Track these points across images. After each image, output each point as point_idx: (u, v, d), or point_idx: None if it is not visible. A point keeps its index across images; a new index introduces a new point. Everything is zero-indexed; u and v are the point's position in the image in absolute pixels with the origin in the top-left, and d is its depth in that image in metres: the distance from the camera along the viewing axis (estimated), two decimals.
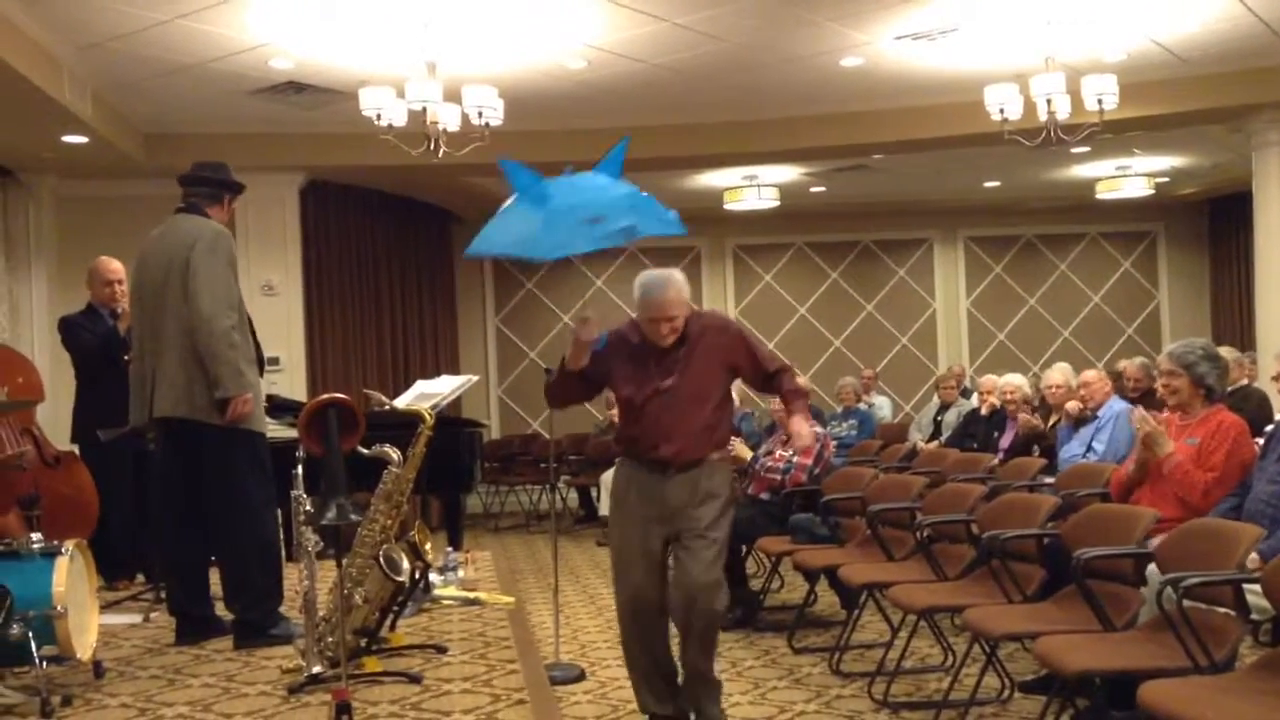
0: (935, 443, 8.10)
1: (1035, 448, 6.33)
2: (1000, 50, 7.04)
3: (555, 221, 3.21)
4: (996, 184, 11.31)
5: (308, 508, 3.53)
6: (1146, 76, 7.57)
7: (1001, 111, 6.74)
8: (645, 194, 3.36)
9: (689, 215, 11.66)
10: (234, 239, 4.42)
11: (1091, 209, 11.92)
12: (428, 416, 4.12)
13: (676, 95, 7.87)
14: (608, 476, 9.37)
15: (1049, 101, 6.55)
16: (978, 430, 7.28)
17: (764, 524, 5.81)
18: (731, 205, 10.76)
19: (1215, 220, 12.49)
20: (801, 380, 6.36)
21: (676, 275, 3.62)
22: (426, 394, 4.97)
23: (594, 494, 9.95)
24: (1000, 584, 3.91)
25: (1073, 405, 6.06)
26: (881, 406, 10.63)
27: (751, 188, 10.59)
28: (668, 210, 3.39)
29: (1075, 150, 8.96)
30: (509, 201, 3.30)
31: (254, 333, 4.47)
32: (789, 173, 10.34)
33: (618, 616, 3.79)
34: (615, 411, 10.14)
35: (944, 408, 8.99)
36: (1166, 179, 11.15)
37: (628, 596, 3.71)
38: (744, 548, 6.01)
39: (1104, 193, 11.02)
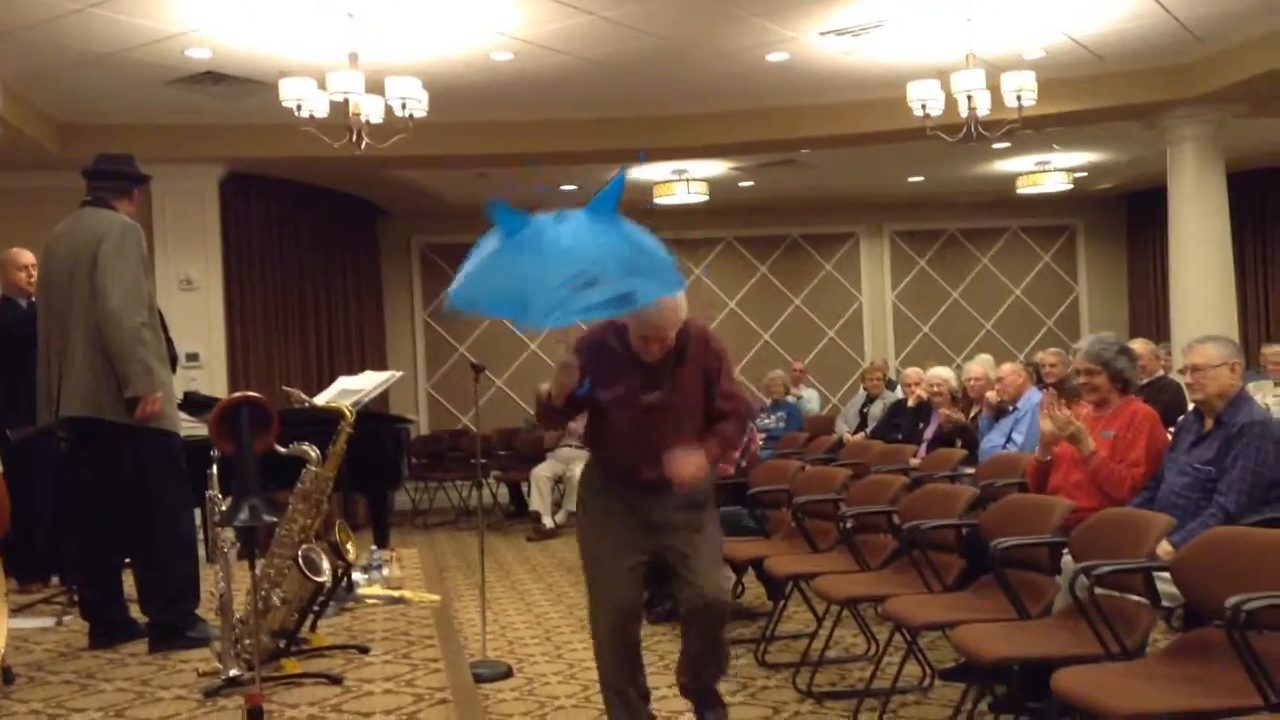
0: (861, 434, 8.20)
1: (958, 440, 6.44)
2: (922, 46, 7.12)
3: (545, 283, 2.83)
4: (920, 179, 11.47)
5: (222, 508, 3.46)
6: (1065, 73, 7.72)
7: (924, 108, 6.81)
8: (642, 235, 2.98)
9: (619, 208, 11.52)
10: (149, 232, 4.32)
11: (1012, 204, 12.15)
12: (348, 413, 4.06)
13: (604, 89, 7.85)
14: (538, 471, 9.37)
15: (970, 98, 6.64)
16: (903, 422, 7.38)
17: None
18: (661, 199, 10.77)
19: (1132, 214, 12.79)
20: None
21: (680, 296, 3.27)
22: (349, 390, 4.91)
23: (524, 489, 9.91)
24: (921, 574, 3.96)
25: (991, 395, 6.17)
26: (809, 399, 10.73)
27: (681, 182, 10.60)
28: (667, 256, 3.01)
29: (996, 146, 9.11)
30: (492, 243, 2.92)
31: (166, 329, 4.37)
32: (718, 167, 10.37)
33: (596, 635, 3.44)
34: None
35: (870, 400, 9.10)
36: (1085, 174, 11.40)
37: (612, 615, 3.38)
38: None
39: (1024, 188, 11.23)
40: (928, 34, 6.93)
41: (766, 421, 9.17)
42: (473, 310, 2.94)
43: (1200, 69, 7.83)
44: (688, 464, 3.24)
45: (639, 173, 10.33)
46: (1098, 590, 3.02)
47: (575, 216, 2.92)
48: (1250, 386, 6.92)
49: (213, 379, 8.50)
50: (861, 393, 9.59)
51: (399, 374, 5.52)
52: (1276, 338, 9.68)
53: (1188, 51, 7.67)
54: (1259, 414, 3.99)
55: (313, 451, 3.85)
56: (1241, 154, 9.79)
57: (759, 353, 12.43)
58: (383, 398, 7.47)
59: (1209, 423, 3.94)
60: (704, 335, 3.46)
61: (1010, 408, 6.03)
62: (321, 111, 6.27)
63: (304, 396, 4.38)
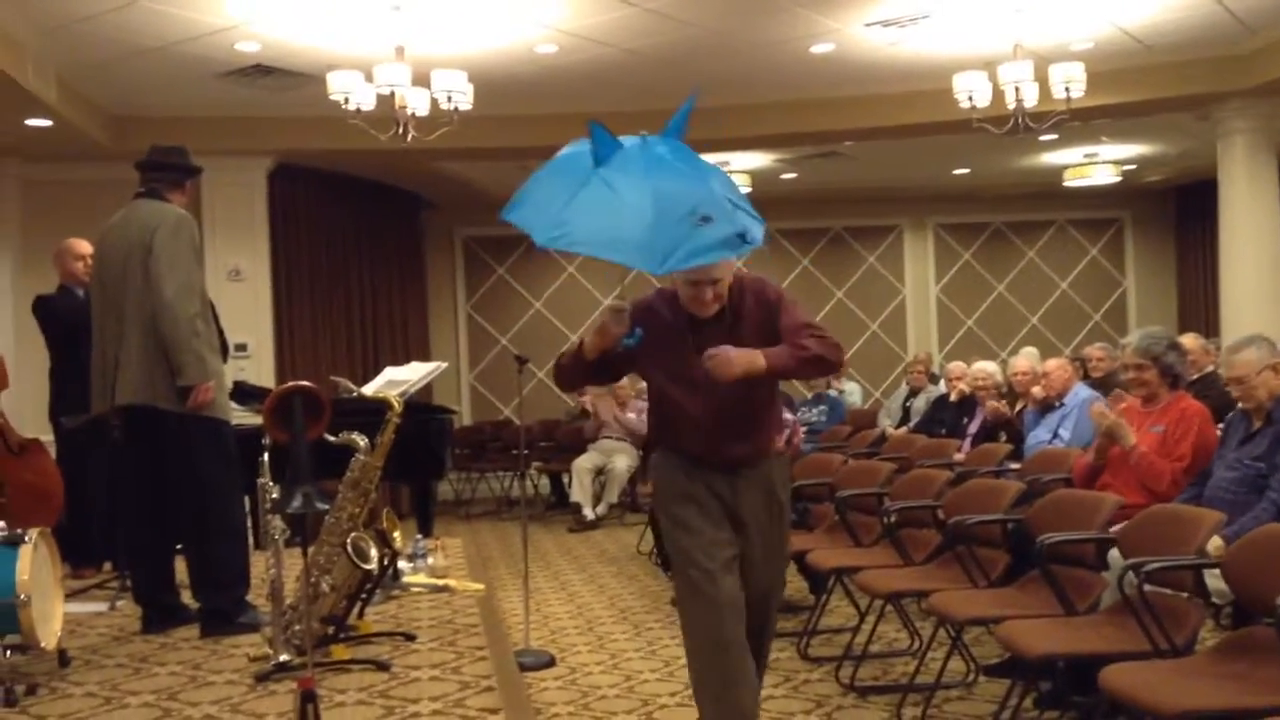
0: (904, 429, 8.15)
1: (1002, 434, 6.39)
2: (969, 37, 7.06)
3: (658, 221, 2.53)
4: (966, 171, 11.37)
5: (274, 495, 3.52)
6: (1113, 64, 7.62)
7: (970, 99, 6.76)
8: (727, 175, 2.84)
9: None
10: (198, 224, 4.38)
11: (1059, 196, 12.00)
12: (396, 404, 4.10)
13: (646, 80, 7.85)
14: (580, 463, 9.41)
15: (1017, 89, 6.58)
16: (946, 416, 7.33)
17: None
18: None
19: (1181, 208, 12.60)
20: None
21: None
22: (395, 381, 4.96)
23: (565, 480, 9.96)
24: (965, 569, 3.94)
25: (1037, 391, 6.11)
26: (851, 392, 10.68)
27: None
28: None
29: (1043, 138, 9.01)
30: (575, 171, 2.65)
31: (218, 319, 4.44)
32: (760, 159, 10.34)
33: (695, 636, 3.02)
34: (589, 399, 10.28)
35: (913, 393, 9.04)
36: (1133, 166, 11.24)
37: (720, 613, 2.94)
38: None
39: (1071, 180, 11.10)
40: (975, 25, 6.86)
41: (808, 415, 9.14)
42: (573, 250, 2.72)
43: (1252, 60, 7.69)
44: (731, 358, 2.84)
45: None
46: (1146, 587, 3.00)
47: (661, 145, 2.70)
48: None
49: (260, 369, 8.61)
50: (904, 387, 9.53)
51: (444, 365, 5.57)
52: None
53: (1240, 42, 7.55)
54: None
55: (361, 441, 3.90)
56: None
57: None
58: (426, 389, 7.50)
59: (1257, 420, 3.90)
60: (758, 286, 3.07)
61: (1057, 403, 5.97)
62: (368, 105, 6.34)
63: (352, 386, 4.43)
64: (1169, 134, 9.81)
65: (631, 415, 9.63)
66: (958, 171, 11.38)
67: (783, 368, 2.94)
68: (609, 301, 2.96)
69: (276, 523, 3.54)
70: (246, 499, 4.73)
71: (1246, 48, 7.64)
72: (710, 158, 10.59)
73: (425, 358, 10.79)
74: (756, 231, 2.67)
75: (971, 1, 6.54)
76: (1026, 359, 6.65)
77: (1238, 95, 7.97)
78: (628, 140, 2.71)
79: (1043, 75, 6.64)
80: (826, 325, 3.07)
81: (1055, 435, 5.87)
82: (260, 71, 7.30)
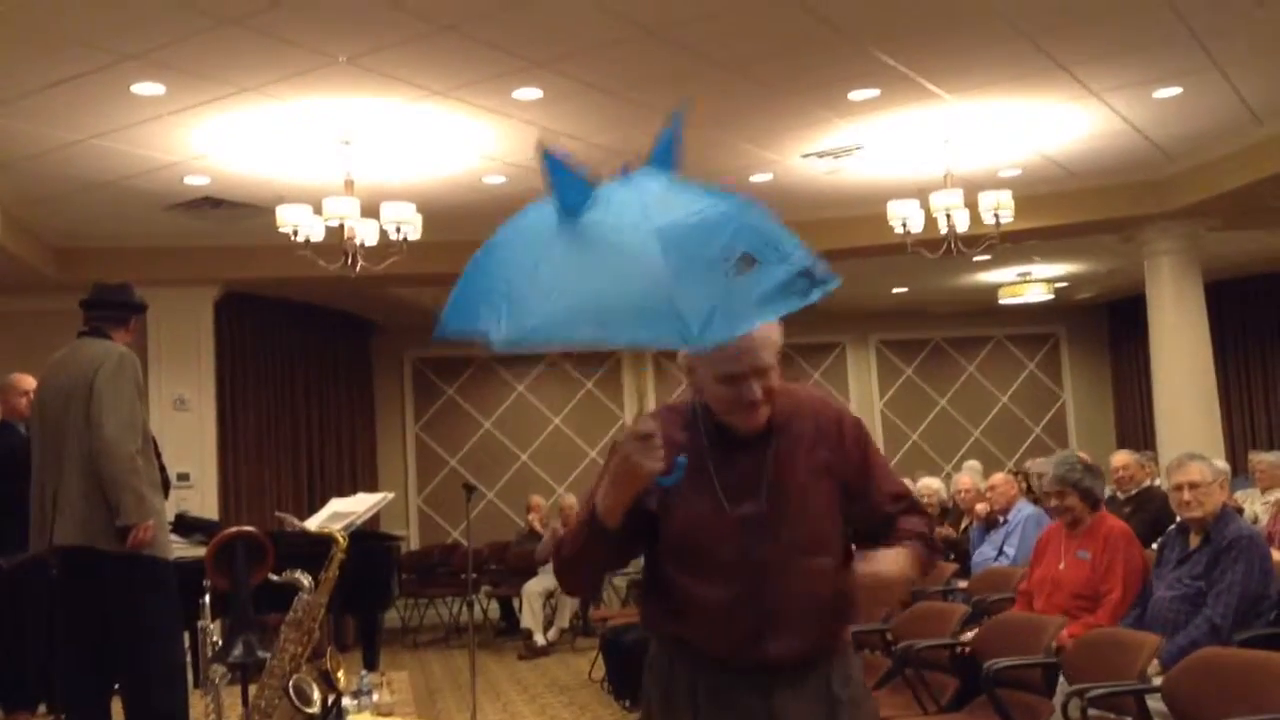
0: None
1: (950, 553, 6.44)
2: (902, 166, 7.34)
3: (685, 265, 1.68)
4: (905, 289, 11.66)
5: (215, 639, 3.46)
6: (1041, 190, 7.94)
7: (904, 225, 7.00)
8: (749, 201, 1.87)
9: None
10: (143, 353, 4.39)
11: (996, 312, 12.33)
12: (340, 539, 4.07)
13: None
14: (530, 587, 9.29)
15: (949, 215, 6.82)
16: None
17: None
18: None
19: (1114, 323, 12.98)
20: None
21: None
22: (340, 513, 4.91)
23: (515, 605, 9.81)
24: (916, 694, 3.95)
25: (981, 507, 6.20)
26: None
27: None
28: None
29: (977, 258, 9.29)
30: (539, 233, 1.83)
31: (160, 454, 4.40)
32: None
33: None
34: (536, 516, 10.24)
35: None
36: (1066, 284, 11.60)
37: None
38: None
39: (1006, 298, 11.43)
40: (907, 154, 7.15)
41: None
42: (551, 344, 1.75)
43: (1172, 185, 8.05)
44: (889, 564, 2.00)
45: None
46: (1091, 712, 3.03)
47: (650, 178, 1.86)
48: (1239, 495, 6.98)
49: (204, 499, 8.48)
50: None
51: (390, 495, 5.54)
52: (1263, 446, 9.75)
53: (1159, 168, 7.91)
54: (1246, 529, 4.04)
55: (305, 579, 3.85)
56: (1221, 264, 10.00)
57: None
58: (374, 514, 7.44)
59: (1195, 538, 3.98)
60: (818, 404, 2.20)
61: (1001, 519, 6.05)
62: (318, 236, 6.41)
63: (296, 521, 4.40)
64: (1098, 254, 10.17)
65: None
66: (897, 290, 11.66)
67: (925, 565, 2.14)
68: (633, 423, 1.93)
69: (217, 666, 3.47)
70: (187, 634, 4.62)
71: (1166, 173, 8.00)
72: None
73: (373, 481, 10.70)
74: (823, 268, 1.82)
75: (903, 133, 6.81)
76: (969, 475, 6.77)
77: (1160, 218, 8.31)
78: (608, 182, 1.85)
79: (973, 201, 6.90)
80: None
81: (1000, 552, 5.94)
82: (209, 204, 7.37)
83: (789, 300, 1.77)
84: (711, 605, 2.06)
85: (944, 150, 6.93)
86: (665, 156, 1.91)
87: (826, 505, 2.10)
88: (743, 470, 2.08)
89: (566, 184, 1.81)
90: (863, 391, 12.97)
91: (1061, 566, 4.36)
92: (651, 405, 12.79)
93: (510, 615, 10.28)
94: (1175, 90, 6.37)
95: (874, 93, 6.12)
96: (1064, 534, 4.44)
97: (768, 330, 2.03)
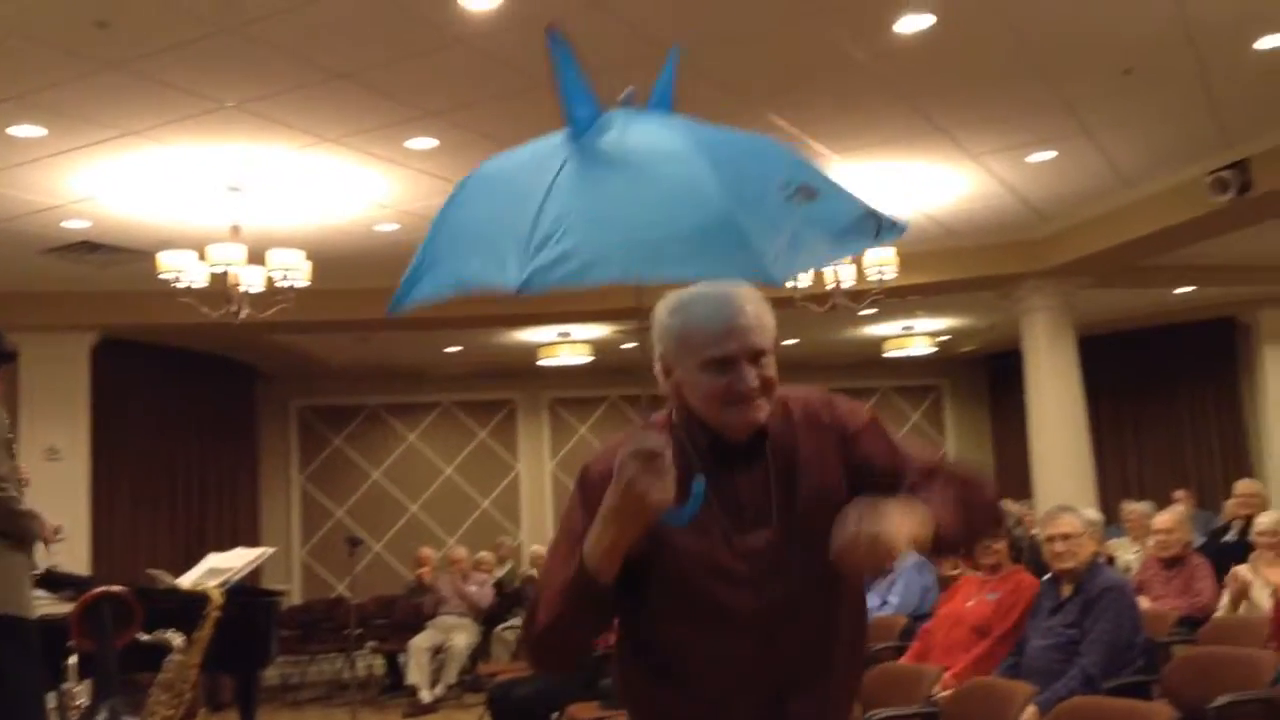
0: None
1: None
2: None
3: (741, 191, 1.44)
4: (795, 341, 11.88)
5: (79, 703, 3.31)
6: (922, 248, 8.20)
7: (794, 280, 7.14)
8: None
9: (505, 370, 11.62)
10: (14, 405, 4.21)
11: (882, 365, 12.65)
12: (215, 597, 3.95)
13: None
14: (416, 642, 9.10)
15: (835, 271, 7.00)
16: None
17: (573, 688, 5.72)
18: (545, 361, 10.92)
19: (994, 376, 13.41)
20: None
21: (751, 288, 1.73)
22: (217, 569, 4.76)
23: (401, 661, 9.59)
24: None
25: None
26: None
27: (565, 344, 10.80)
28: None
29: (863, 313, 9.54)
30: (548, 157, 1.53)
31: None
32: (601, 330, 10.59)
33: None
34: (426, 569, 10.08)
35: None
36: (948, 338, 11.98)
37: None
38: (553, 715, 5.89)
39: (891, 351, 11.74)
40: None
41: None
42: (588, 278, 1.41)
43: (1046, 244, 8.40)
44: (889, 515, 1.56)
45: (524, 334, 10.49)
46: None
47: (658, 118, 1.59)
48: (1111, 543, 7.24)
49: (75, 553, 8.11)
50: None
51: (270, 550, 5.40)
52: (1134, 495, 10.12)
53: (1034, 228, 8.25)
54: (1115, 579, 4.21)
55: (177, 639, 3.72)
56: (1093, 320, 10.43)
57: None
58: (255, 569, 7.22)
59: (1067, 588, 4.12)
60: (805, 400, 1.83)
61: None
62: (200, 282, 6.26)
63: (169, 578, 4.25)
64: (977, 309, 10.53)
65: (473, 588, 9.44)
66: (788, 342, 11.88)
67: (957, 531, 1.72)
68: (638, 439, 1.53)
69: None
70: (52, 694, 4.41)
71: (1041, 233, 8.34)
72: (550, 329, 10.77)
73: (255, 533, 10.41)
74: (888, 212, 1.61)
75: None
76: None
77: (1034, 276, 8.64)
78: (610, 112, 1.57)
79: (859, 258, 7.09)
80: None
81: (884, 601, 6.04)
82: (87, 248, 7.16)
83: (860, 239, 1.58)
84: (722, 663, 1.66)
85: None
86: (664, 99, 1.66)
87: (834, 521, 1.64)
88: (745, 491, 1.71)
89: (577, 91, 1.52)
90: None
91: (970, 604, 4.52)
92: (548, 457, 12.73)
93: (395, 671, 10.03)
94: (1049, 154, 6.67)
95: None
96: (979, 579, 4.58)
97: (760, 310, 1.72)
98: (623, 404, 12.93)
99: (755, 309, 1.71)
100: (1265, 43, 5.21)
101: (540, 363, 10.98)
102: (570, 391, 12.65)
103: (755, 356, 1.70)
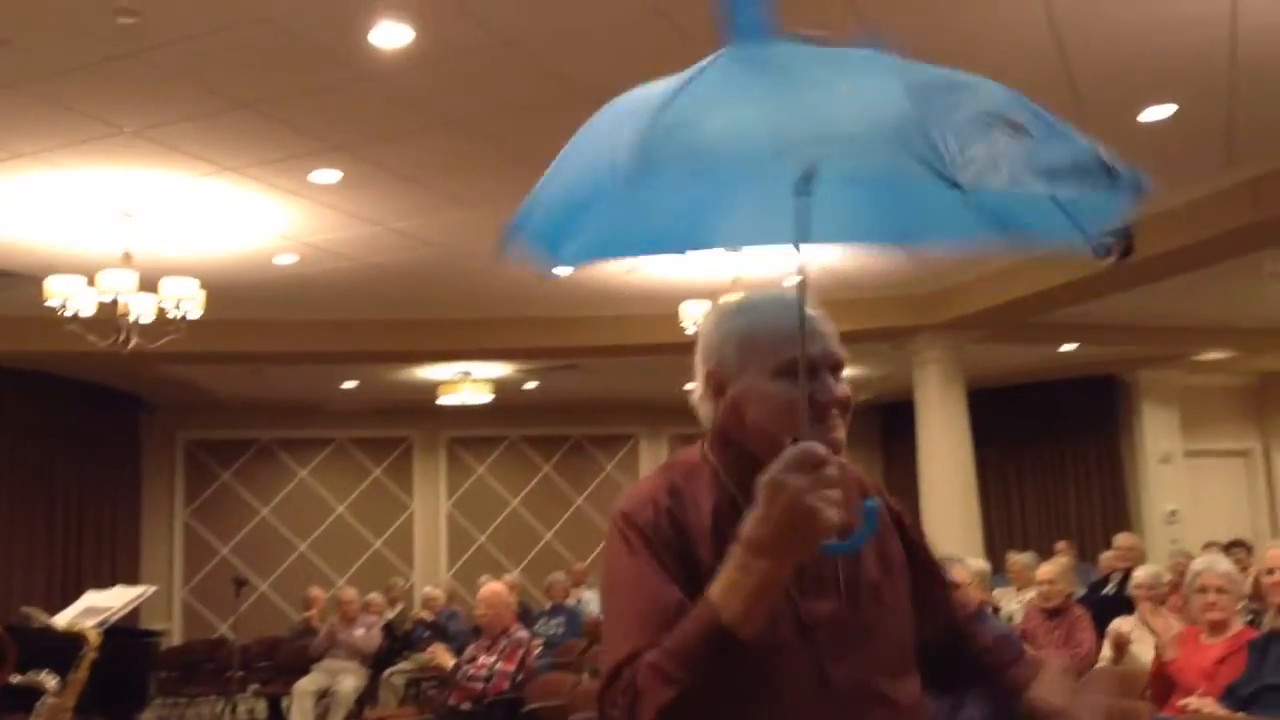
0: None
1: None
2: (693, 269, 7.60)
3: (938, 114, 1.24)
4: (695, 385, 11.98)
5: None
6: (820, 298, 8.34)
7: (695, 323, 7.22)
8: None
9: (403, 407, 11.48)
10: None
11: None
12: (92, 638, 3.79)
13: (390, 292, 7.94)
14: (301, 685, 8.81)
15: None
16: None
17: None
18: (445, 399, 10.81)
19: (887, 425, 13.69)
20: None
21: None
22: (95, 608, 4.57)
23: (284, 704, 9.29)
24: None
25: None
26: (589, 602, 10.65)
27: (466, 382, 10.71)
28: None
29: None
30: (728, 81, 1.29)
31: None
32: (503, 369, 10.54)
33: None
34: (315, 610, 9.79)
35: None
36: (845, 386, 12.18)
37: None
38: None
39: None
40: (696, 260, 7.41)
41: (546, 627, 9.04)
42: (730, 158, 1.25)
43: (936, 300, 8.67)
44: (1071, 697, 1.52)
45: (425, 371, 10.38)
46: None
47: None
48: (996, 592, 7.41)
49: None
50: None
51: (152, 589, 5.20)
52: (1019, 546, 10.39)
53: (925, 284, 8.49)
54: (1001, 628, 4.31)
55: (50, 681, 3.55)
56: (983, 372, 10.73)
57: (540, 553, 12.37)
58: (133, 608, 6.96)
59: None
60: (870, 481, 1.67)
61: None
62: (88, 310, 6.06)
63: (44, 617, 4.06)
64: (872, 359, 10.75)
65: (360, 631, 9.21)
66: (689, 386, 11.94)
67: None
68: (792, 452, 1.25)
69: None
70: None
71: (931, 289, 8.59)
72: (452, 367, 10.69)
73: (135, 571, 10.04)
74: (1130, 170, 1.42)
75: None
76: None
77: (926, 329, 8.89)
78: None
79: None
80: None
81: None
82: None
83: (1085, 182, 1.34)
84: None
85: (735, 258, 7.22)
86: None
87: (907, 609, 1.53)
88: (818, 558, 1.36)
89: (745, 9, 1.27)
90: None
91: None
92: (444, 496, 12.56)
93: (278, 715, 9.69)
94: None
95: None
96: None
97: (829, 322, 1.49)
98: (523, 444, 12.86)
99: (825, 316, 1.50)
100: (1148, 115, 5.46)
101: (440, 400, 10.87)
102: (469, 430, 12.54)
103: (836, 368, 1.48)
